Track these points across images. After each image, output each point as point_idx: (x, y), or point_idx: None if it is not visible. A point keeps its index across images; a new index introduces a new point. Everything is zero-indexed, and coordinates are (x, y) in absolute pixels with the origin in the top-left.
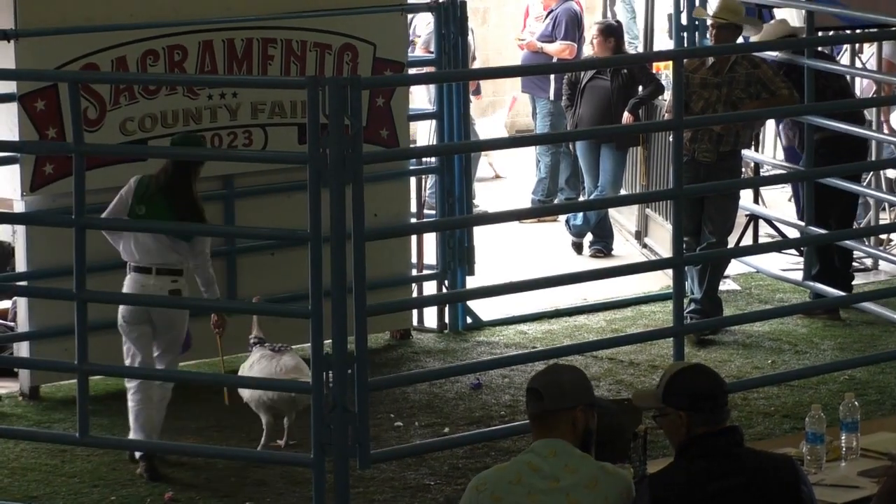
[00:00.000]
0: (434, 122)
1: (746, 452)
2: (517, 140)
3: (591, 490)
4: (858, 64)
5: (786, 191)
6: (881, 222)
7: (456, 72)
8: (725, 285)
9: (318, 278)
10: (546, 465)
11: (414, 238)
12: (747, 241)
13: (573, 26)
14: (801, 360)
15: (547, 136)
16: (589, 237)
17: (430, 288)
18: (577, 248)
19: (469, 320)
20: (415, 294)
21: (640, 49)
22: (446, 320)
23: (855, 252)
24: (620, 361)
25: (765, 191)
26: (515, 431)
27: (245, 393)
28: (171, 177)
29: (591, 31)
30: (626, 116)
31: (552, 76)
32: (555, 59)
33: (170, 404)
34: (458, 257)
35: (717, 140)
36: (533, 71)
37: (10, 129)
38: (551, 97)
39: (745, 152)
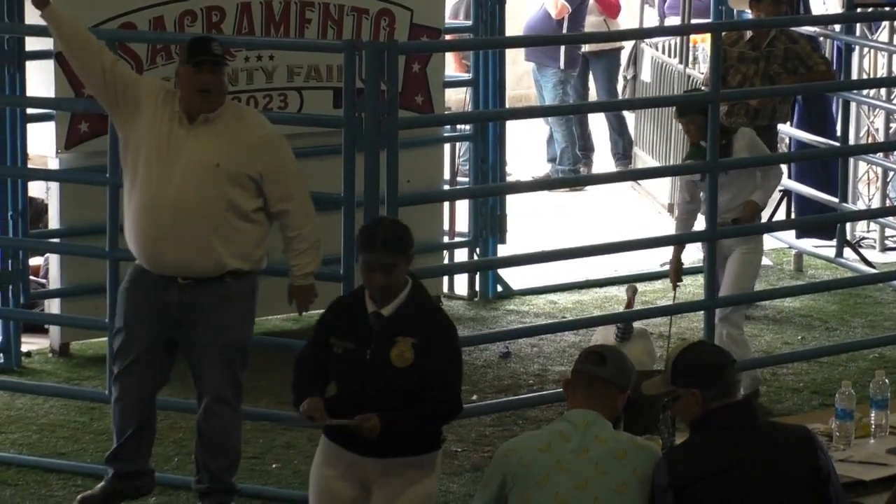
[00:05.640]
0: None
1: (762, 424)
2: (551, 109)
3: (620, 460)
4: None
5: None
6: None
7: (493, 39)
8: None
9: (350, 243)
10: (577, 434)
11: (446, 205)
12: (780, 216)
13: None
14: (831, 337)
15: (586, 105)
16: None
17: (461, 255)
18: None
19: (499, 288)
20: (446, 261)
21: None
22: (477, 288)
23: (887, 230)
24: (650, 334)
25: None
26: (544, 400)
27: None
28: None
29: None
30: None
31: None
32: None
33: None
34: (489, 225)
35: (754, 114)
36: (568, 40)
37: (46, 86)
38: (561, 66)
39: (780, 127)
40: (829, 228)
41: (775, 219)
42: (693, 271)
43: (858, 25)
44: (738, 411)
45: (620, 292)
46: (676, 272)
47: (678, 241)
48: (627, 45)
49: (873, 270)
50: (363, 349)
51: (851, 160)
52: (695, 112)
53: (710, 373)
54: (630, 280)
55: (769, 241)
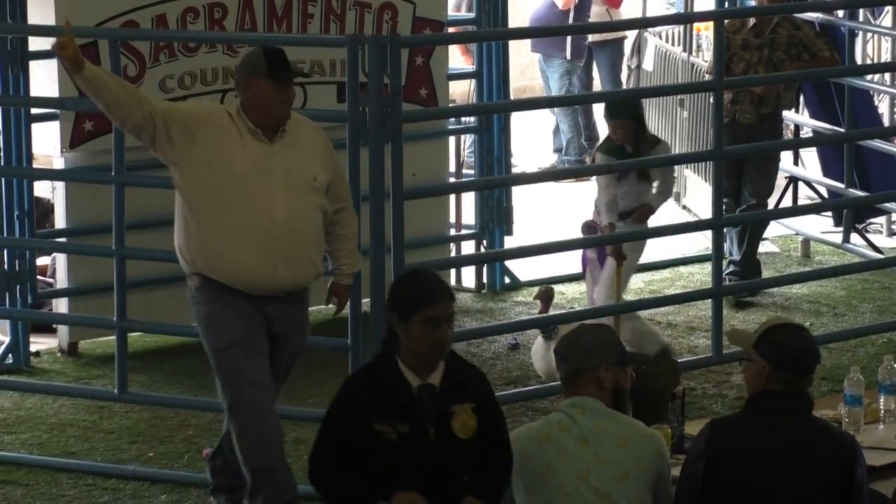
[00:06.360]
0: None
1: (812, 420)
2: (555, 100)
3: (621, 449)
4: None
5: None
6: None
7: (496, 31)
8: (764, 247)
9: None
10: (575, 424)
11: (452, 197)
12: (787, 203)
13: None
14: (839, 323)
15: (590, 95)
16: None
17: (468, 247)
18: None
19: (507, 280)
20: (453, 253)
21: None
22: (484, 280)
23: (894, 215)
24: (658, 323)
25: (805, 153)
26: (552, 391)
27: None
28: None
29: None
30: None
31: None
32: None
33: (208, 361)
34: (496, 217)
35: (758, 102)
36: (570, 31)
37: (50, 85)
38: (568, 56)
39: (785, 114)
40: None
41: (782, 205)
42: (700, 259)
43: (861, 11)
44: (794, 400)
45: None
46: (619, 252)
47: (684, 231)
48: (630, 35)
49: (881, 256)
50: (423, 429)
51: None
52: (625, 117)
53: (790, 357)
54: (636, 270)
55: (777, 229)
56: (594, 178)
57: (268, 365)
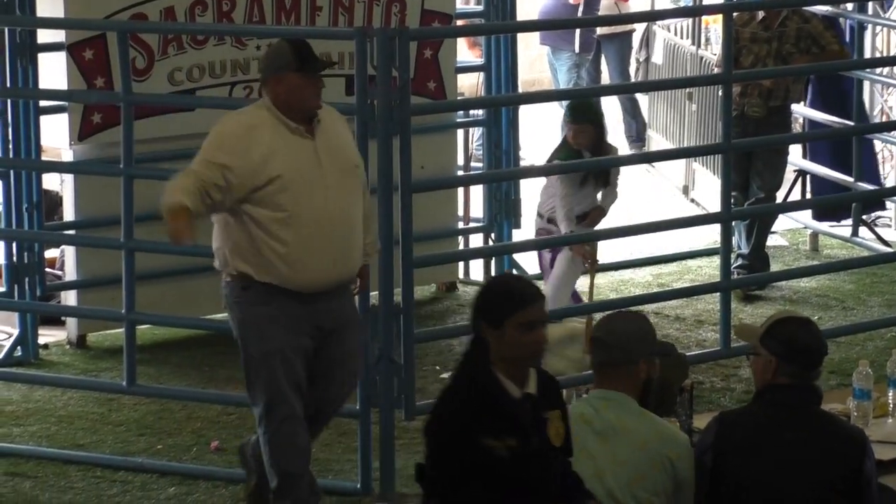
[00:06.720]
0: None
1: (820, 413)
2: (564, 93)
3: (640, 451)
4: None
5: None
6: None
7: (504, 24)
8: (773, 241)
9: None
10: (598, 418)
11: (461, 190)
12: (795, 196)
13: None
14: (848, 317)
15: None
16: None
17: (476, 240)
18: None
19: (515, 273)
20: (461, 246)
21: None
22: (492, 273)
23: None
24: (666, 316)
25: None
26: (564, 385)
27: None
28: None
29: None
30: None
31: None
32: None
33: (216, 353)
34: (504, 210)
35: (767, 95)
36: (578, 24)
37: (59, 78)
38: (577, 49)
39: (794, 107)
40: (846, 208)
41: (790, 199)
42: (709, 253)
43: (871, 4)
44: (801, 393)
45: (636, 275)
46: (594, 256)
47: (692, 224)
48: (639, 28)
49: (889, 249)
50: (528, 440)
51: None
52: (587, 121)
53: (797, 351)
54: (644, 263)
55: (785, 222)
56: (545, 184)
57: (304, 370)
